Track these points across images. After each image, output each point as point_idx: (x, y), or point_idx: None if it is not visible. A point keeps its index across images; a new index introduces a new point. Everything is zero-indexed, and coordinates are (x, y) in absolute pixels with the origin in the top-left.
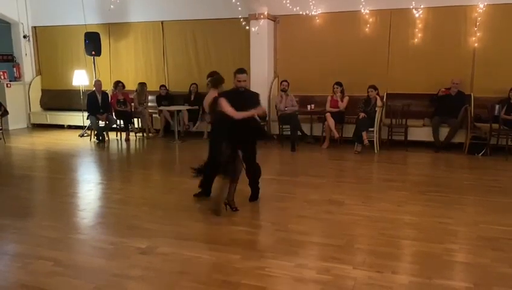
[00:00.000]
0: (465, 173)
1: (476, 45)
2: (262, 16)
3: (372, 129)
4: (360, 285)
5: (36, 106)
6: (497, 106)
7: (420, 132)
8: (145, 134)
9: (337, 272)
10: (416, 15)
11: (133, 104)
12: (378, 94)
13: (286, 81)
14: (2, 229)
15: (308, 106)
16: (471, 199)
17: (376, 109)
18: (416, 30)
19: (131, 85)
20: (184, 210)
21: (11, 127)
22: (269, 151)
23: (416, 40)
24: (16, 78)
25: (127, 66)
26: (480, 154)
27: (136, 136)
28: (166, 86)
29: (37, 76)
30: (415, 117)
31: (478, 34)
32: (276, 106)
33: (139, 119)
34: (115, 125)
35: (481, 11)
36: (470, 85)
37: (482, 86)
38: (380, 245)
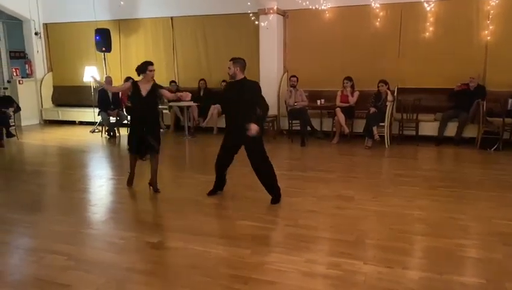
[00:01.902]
0: (477, 167)
1: (488, 38)
2: (271, 11)
3: (382, 124)
4: (371, 280)
5: (48, 102)
6: (510, 100)
7: (431, 127)
8: None
9: (347, 267)
10: (428, 8)
11: None
12: (388, 89)
13: (295, 76)
14: (15, 224)
15: (318, 101)
16: (482, 194)
17: (387, 103)
18: (428, 24)
19: None
20: (194, 205)
21: (23, 123)
22: (279, 146)
23: (427, 34)
24: (27, 74)
25: (137, 62)
26: (492, 149)
27: None
28: (177, 81)
29: (48, 72)
30: (426, 112)
31: (491, 28)
32: (285, 101)
33: None
34: (125, 121)
35: (494, 4)
36: (482, 79)
37: (495, 79)
38: (390, 240)
